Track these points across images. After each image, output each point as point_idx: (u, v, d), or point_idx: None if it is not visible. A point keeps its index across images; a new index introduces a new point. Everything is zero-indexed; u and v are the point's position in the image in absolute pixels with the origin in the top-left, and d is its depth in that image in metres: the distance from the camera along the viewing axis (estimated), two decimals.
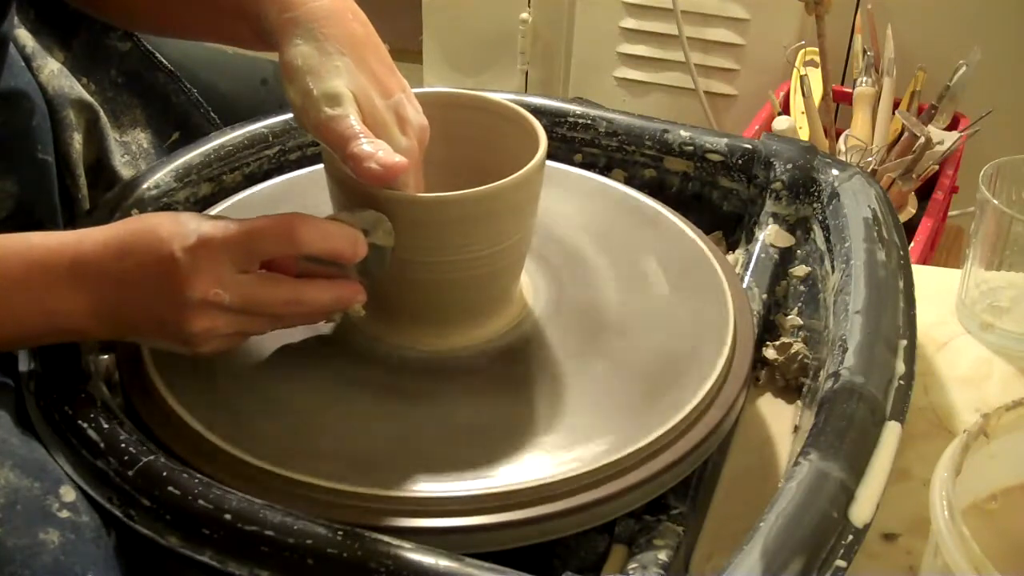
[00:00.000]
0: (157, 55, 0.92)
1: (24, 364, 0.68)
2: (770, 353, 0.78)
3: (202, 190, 0.84)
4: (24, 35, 0.84)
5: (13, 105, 0.77)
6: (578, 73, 2.00)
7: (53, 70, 0.83)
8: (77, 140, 0.83)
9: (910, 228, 1.49)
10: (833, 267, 0.77)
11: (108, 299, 0.62)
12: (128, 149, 0.89)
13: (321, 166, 0.69)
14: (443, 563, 0.55)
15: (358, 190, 0.65)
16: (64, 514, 0.59)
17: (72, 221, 0.81)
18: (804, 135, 1.61)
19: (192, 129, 0.92)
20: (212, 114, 0.94)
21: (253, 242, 0.61)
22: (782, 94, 1.74)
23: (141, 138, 0.90)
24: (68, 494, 0.60)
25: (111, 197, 0.80)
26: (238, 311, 0.62)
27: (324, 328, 0.72)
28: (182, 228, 0.61)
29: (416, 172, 0.67)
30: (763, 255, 0.82)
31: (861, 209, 0.78)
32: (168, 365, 0.68)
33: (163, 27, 0.85)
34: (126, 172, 0.86)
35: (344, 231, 0.63)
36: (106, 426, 0.63)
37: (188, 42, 1.01)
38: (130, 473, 0.60)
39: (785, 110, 1.71)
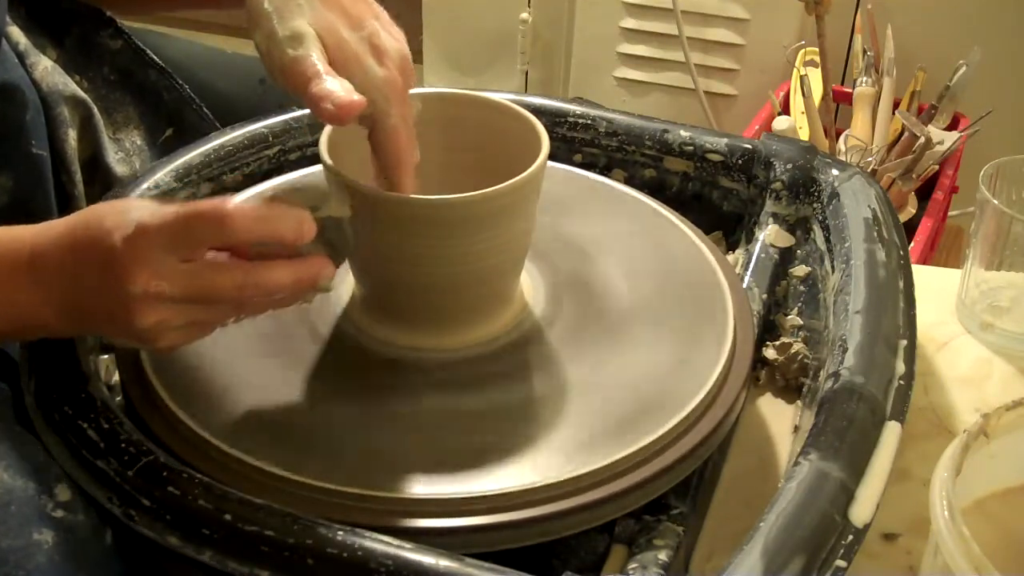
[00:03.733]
0: (148, 53, 0.91)
1: (24, 365, 0.68)
2: (770, 353, 0.78)
3: (202, 190, 0.84)
4: (16, 32, 0.83)
5: (7, 99, 0.77)
6: (578, 73, 2.00)
7: (47, 67, 0.83)
8: (72, 137, 0.83)
9: (910, 228, 1.49)
10: (833, 267, 0.77)
11: (64, 293, 0.61)
12: (122, 146, 0.88)
13: (320, 166, 0.69)
14: (443, 563, 0.55)
15: (357, 190, 0.65)
16: (59, 513, 0.59)
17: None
18: (804, 135, 1.61)
19: (186, 126, 0.92)
20: (205, 110, 0.93)
21: (188, 230, 0.58)
22: (782, 94, 1.74)
23: (135, 135, 0.90)
24: (63, 493, 0.60)
25: (110, 196, 0.80)
26: (187, 301, 0.59)
27: (323, 328, 0.72)
28: (124, 218, 0.58)
29: (400, 103, 0.64)
30: (763, 255, 0.82)
31: (861, 209, 0.78)
32: (168, 365, 0.68)
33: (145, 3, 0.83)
34: (120, 169, 0.86)
35: (285, 213, 0.59)
36: (106, 426, 0.63)
37: (187, 41, 1.01)
38: (130, 473, 0.60)
39: (785, 110, 1.71)
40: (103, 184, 0.85)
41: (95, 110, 0.86)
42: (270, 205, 0.60)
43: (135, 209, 0.59)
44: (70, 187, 0.82)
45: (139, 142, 0.90)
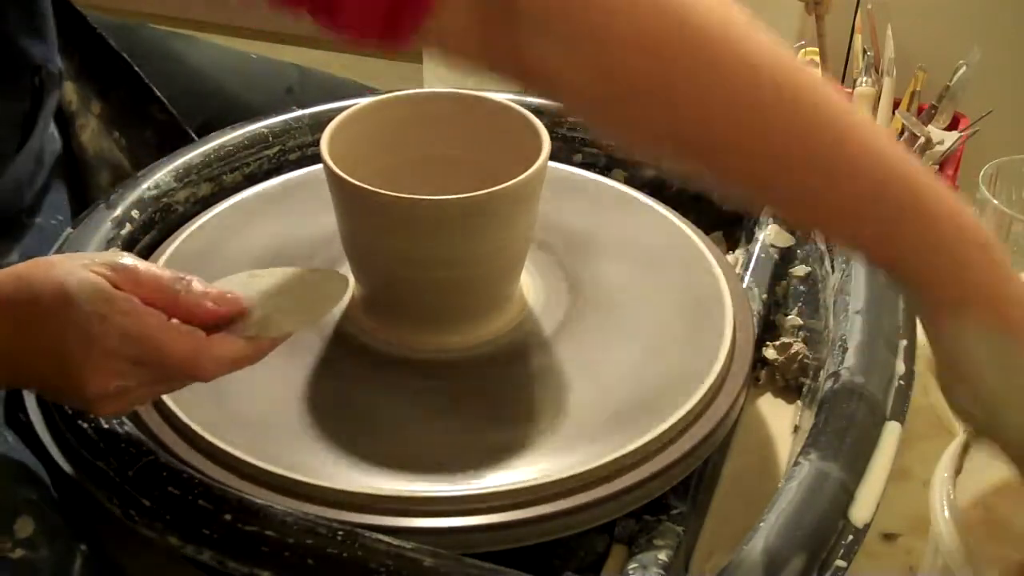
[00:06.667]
0: (191, 133, 0.90)
1: None
2: (770, 353, 0.78)
3: (202, 190, 0.84)
4: (69, 90, 0.83)
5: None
6: None
7: (94, 129, 0.83)
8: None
9: None
10: (833, 267, 0.77)
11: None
12: None
13: (320, 166, 0.69)
14: (443, 563, 0.55)
15: (357, 193, 0.65)
16: (17, 554, 0.56)
17: None
18: None
19: None
20: None
21: (157, 366, 0.56)
22: None
23: None
24: (24, 528, 0.57)
25: (112, 197, 0.80)
26: (144, 378, 0.57)
27: (324, 327, 0.72)
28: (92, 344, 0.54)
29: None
30: (763, 255, 0.82)
31: None
32: None
33: None
34: None
35: (253, 356, 0.58)
36: (106, 426, 0.63)
37: (214, 46, 1.00)
38: (130, 473, 0.60)
39: None
40: None
41: (130, 172, 0.86)
42: (242, 345, 0.57)
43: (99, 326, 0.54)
44: None
45: None
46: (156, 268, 0.58)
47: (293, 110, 0.90)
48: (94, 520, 0.62)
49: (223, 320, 0.57)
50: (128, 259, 0.57)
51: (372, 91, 1.00)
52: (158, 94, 0.88)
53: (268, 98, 0.97)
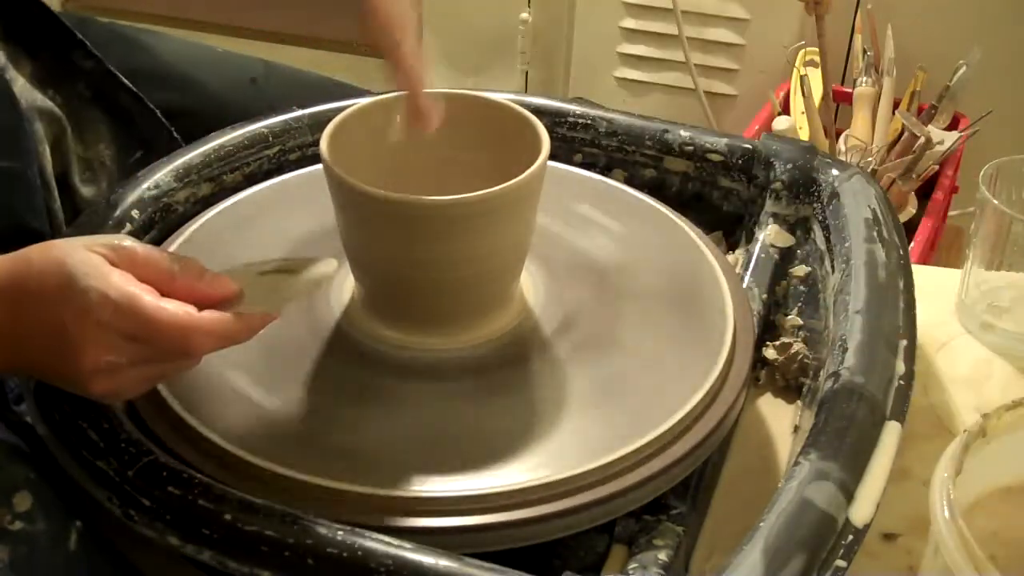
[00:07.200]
0: (120, 76, 0.90)
1: None
2: (770, 353, 0.78)
3: (202, 190, 0.84)
4: None
5: None
6: (578, 73, 2.00)
7: (24, 84, 0.83)
8: (47, 153, 0.83)
9: (910, 228, 1.49)
10: (833, 267, 0.77)
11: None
12: (90, 165, 0.88)
13: (320, 166, 0.69)
14: (443, 563, 0.55)
15: (357, 193, 0.65)
16: (16, 526, 0.58)
17: (55, 235, 0.80)
18: (804, 135, 1.61)
19: (156, 148, 0.90)
20: (176, 134, 0.92)
21: (147, 337, 0.57)
22: (782, 94, 1.74)
23: (105, 154, 0.89)
24: (22, 502, 0.59)
25: (112, 197, 0.80)
26: (137, 357, 0.58)
27: (323, 328, 0.72)
28: (82, 298, 0.56)
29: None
30: (763, 255, 0.82)
31: (861, 209, 0.78)
32: None
33: None
34: (85, 190, 0.86)
35: (246, 329, 0.59)
36: (106, 426, 0.63)
37: (179, 40, 1.01)
38: (130, 473, 0.60)
39: (785, 110, 1.71)
40: (70, 204, 0.85)
41: (68, 128, 0.86)
42: (233, 319, 0.59)
43: (92, 288, 0.56)
44: (50, 202, 0.82)
45: (108, 161, 0.89)
46: (154, 249, 0.60)
47: (293, 110, 0.90)
48: (88, 512, 0.62)
49: (215, 301, 0.60)
50: (127, 241, 0.60)
51: (339, 85, 1.01)
52: (81, 38, 0.88)
53: (233, 86, 0.98)
